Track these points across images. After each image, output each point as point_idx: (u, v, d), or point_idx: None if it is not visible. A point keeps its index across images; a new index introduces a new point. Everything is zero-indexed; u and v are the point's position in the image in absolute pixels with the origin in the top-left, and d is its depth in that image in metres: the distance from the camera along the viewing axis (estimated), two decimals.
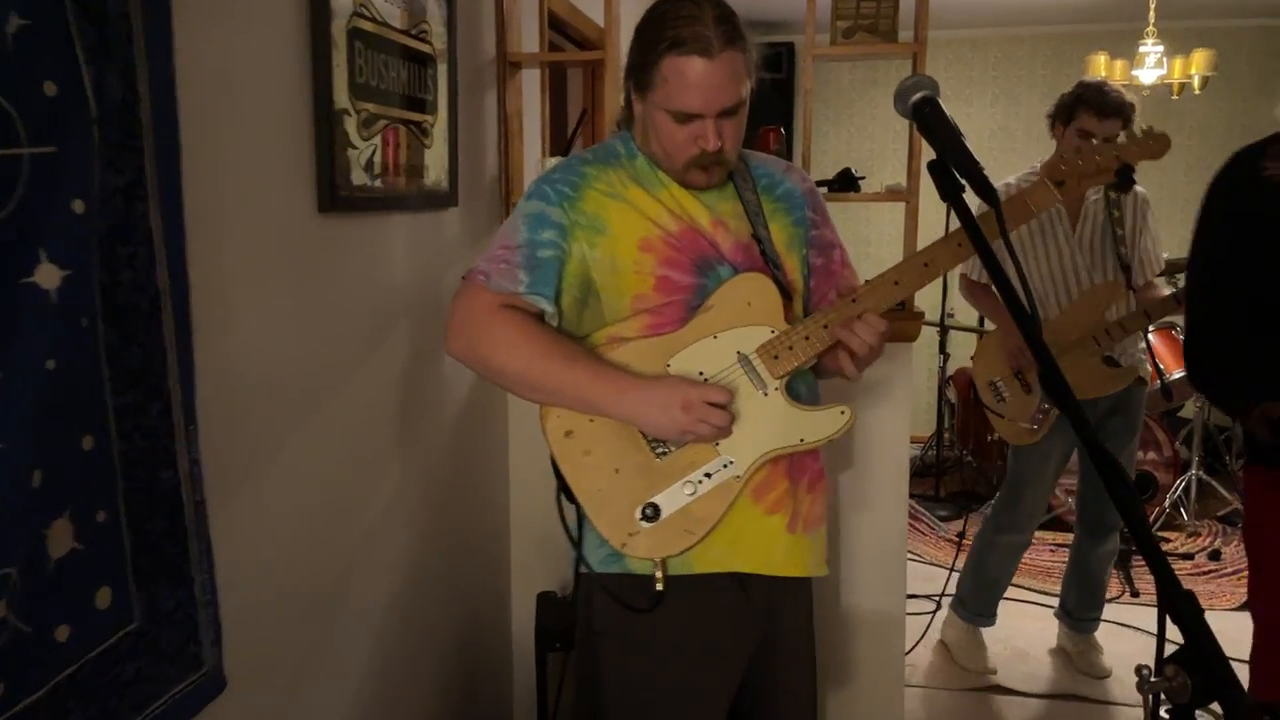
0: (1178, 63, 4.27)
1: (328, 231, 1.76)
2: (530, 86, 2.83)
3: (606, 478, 1.48)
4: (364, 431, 1.94)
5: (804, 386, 1.57)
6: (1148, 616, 3.56)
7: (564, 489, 1.51)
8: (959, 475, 5.30)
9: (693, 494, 1.46)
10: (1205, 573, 4.00)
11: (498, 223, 2.60)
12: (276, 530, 1.63)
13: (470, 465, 2.45)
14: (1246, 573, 3.93)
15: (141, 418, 1.25)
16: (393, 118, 1.97)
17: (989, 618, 3.24)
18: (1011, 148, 5.93)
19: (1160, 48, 4.23)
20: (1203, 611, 0.85)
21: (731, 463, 1.47)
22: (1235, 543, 4.27)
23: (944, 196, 1.08)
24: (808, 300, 1.62)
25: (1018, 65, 5.97)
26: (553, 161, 2.57)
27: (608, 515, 1.47)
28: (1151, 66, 4.19)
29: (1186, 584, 3.59)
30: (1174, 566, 4.02)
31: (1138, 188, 2.92)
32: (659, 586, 1.46)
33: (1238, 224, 1.71)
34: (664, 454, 1.48)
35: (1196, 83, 4.22)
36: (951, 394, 5.28)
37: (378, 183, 1.93)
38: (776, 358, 1.47)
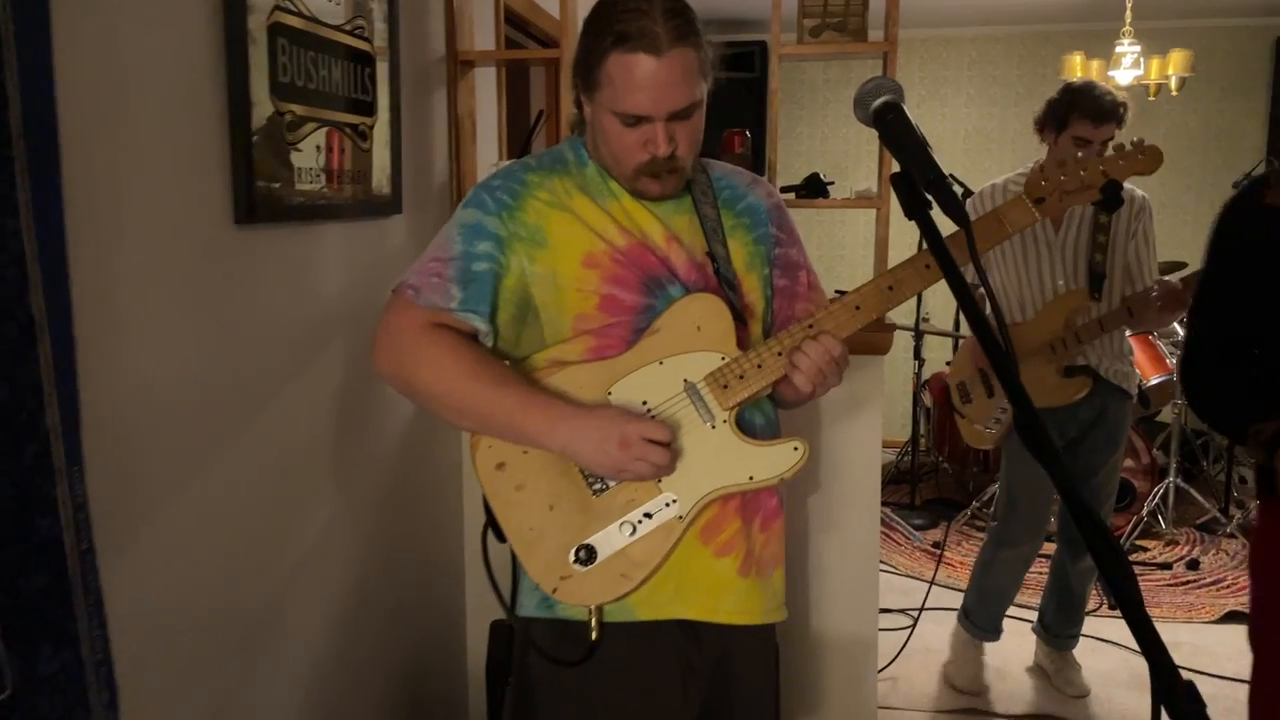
0: (1154, 63, 4.19)
1: (247, 245, 1.62)
2: (486, 86, 2.69)
3: (539, 515, 1.36)
4: (293, 459, 1.80)
5: (760, 417, 1.45)
6: (1124, 629, 3.46)
7: (493, 526, 1.38)
8: (935, 482, 5.21)
9: (631, 535, 1.34)
10: (1184, 583, 3.92)
11: None
12: (185, 575, 1.49)
13: (419, 489, 2.32)
14: (1228, 585, 3.90)
15: (11, 463, 1.11)
16: (325, 120, 1.83)
17: (993, 633, 3.14)
18: (987, 149, 5.84)
19: (1138, 48, 4.15)
20: (1204, 707, 0.72)
21: (674, 501, 1.35)
22: (1214, 551, 4.20)
23: (909, 213, 0.96)
24: (770, 324, 1.50)
25: (993, 65, 5.89)
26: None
27: (539, 557, 1.35)
28: (1129, 67, 4.11)
29: (1164, 594, 3.51)
30: (1152, 577, 3.98)
31: (1140, 193, 2.82)
32: (593, 635, 1.34)
33: (1240, 251, 1.69)
34: (601, 490, 1.36)
35: (1174, 83, 4.14)
36: (927, 399, 5.18)
37: (314, 189, 1.80)
38: (726, 387, 1.35)
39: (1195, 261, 4.46)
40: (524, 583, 1.40)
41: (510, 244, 1.35)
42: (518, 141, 3.10)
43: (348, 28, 1.92)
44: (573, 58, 1.37)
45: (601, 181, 1.40)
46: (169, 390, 1.44)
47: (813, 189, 2.39)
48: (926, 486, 5.14)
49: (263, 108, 1.62)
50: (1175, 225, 5.48)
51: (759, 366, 1.34)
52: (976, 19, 5.60)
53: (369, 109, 2.01)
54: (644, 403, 1.35)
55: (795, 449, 1.35)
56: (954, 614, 3.59)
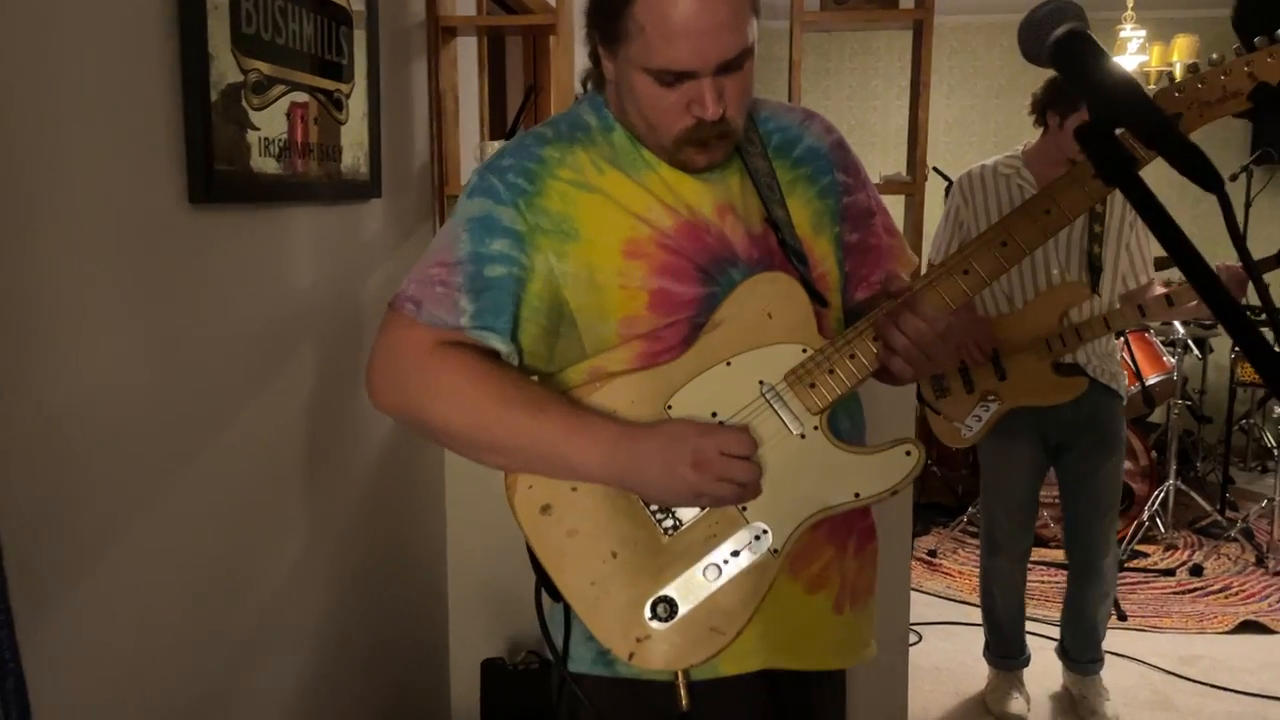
0: (1157, 49, 4.04)
1: (204, 228, 1.34)
2: (466, 58, 2.42)
3: (601, 565, 1.10)
4: (257, 481, 1.52)
5: (846, 417, 1.20)
6: (1140, 642, 3.32)
7: (545, 584, 1.12)
8: (923, 485, 5.02)
9: (718, 579, 1.09)
10: (1189, 590, 3.77)
11: (428, 218, 2.19)
12: (125, 634, 1.21)
13: (400, 513, 2.04)
14: (1236, 592, 3.77)
15: None
16: (295, 82, 1.55)
17: (1015, 659, 2.94)
18: (968, 141, 5.70)
19: (1142, 33, 3.99)
20: None
21: (765, 532, 1.10)
22: (1215, 556, 4.07)
23: (1109, 177, 0.73)
24: (847, 294, 1.25)
25: (974, 55, 5.74)
26: (494, 146, 2.17)
27: (607, 616, 1.10)
28: (1134, 53, 3.95)
29: (1170, 604, 3.28)
30: (1156, 584, 3.83)
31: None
32: (684, 705, 1.09)
33: None
34: (674, 528, 1.11)
35: (1178, 70, 4.00)
36: (922, 387, 5.00)
37: (280, 167, 1.51)
38: (813, 386, 1.10)
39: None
40: (578, 630, 1.15)
41: (532, 239, 1.10)
42: (500, 122, 2.82)
43: None
44: (589, 3, 1.11)
45: (633, 149, 1.14)
46: (110, 402, 1.16)
47: None
48: (915, 490, 4.95)
49: (223, 63, 1.34)
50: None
51: (851, 357, 1.10)
52: (955, 7, 5.43)
53: (344, 74, 1.73)
54: (713, 414, 1.11)
55: (908, 453, 1.10)
56: (957, 628, 3.41)
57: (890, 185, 2.19)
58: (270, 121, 1.49)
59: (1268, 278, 4.05)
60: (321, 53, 1.65)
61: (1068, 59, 0.76)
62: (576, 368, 1.15)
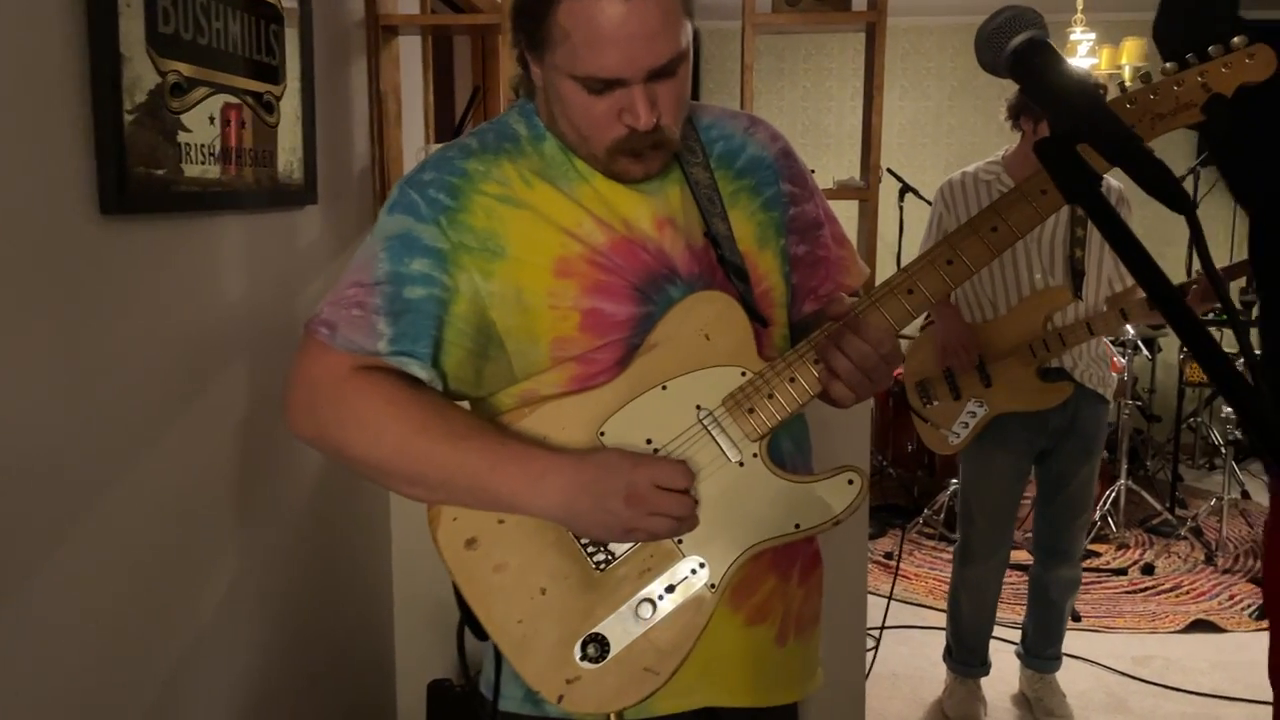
0: (1106, 52, 4.07)
1: (118, 240, 1.25)
2: (410, 58, 2.34)
3: (529, 603, 1.04)
4: (187, 508, 1.44)
5: (789, 441, 1.15)
6: (1094, 643, 3.33)
7: (470, 622, 1.06)
8: (879, 488, 5.02)
9: (652, 615, 1.04)
10: (1141, 590, 3.80)
11: (369, 225, 2.11)
12: (44, 672, 1.13)
13: (341, 537, 1.96)
14: (1187, 591, 3.80)
15: None
16: (221, 84, 1.47)
17: (978, 666, 2.92)
18: (920, 143, 5.71)
19: (1092, 35, 4.02)
20: None
21: (702, 565, 1.05)
22: (1166, 555, 4.11)
23: (1070, 194, 0.68)
24: (795, 308, 1.20)
25: (925, 57, 5.75)
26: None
27: (535, 657, 1.04)
28: (1085, 55, 3.97)
29: (1123, 603, 3.28)
30: (1109, 584, 3.85)
31: (1115, 183, 2.63)
32: None
33: None
34: (607, 562, 1.05)
35: (1127, 73, 4.03)
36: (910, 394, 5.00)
37: (208, 172, 1.43)
38: (752, 411, 1.05)
39: (1166, 264, 4.36)
40: (508, 667, 1.09)
41: (455, 258, 1.03)
42: (446, 125, 2.75)
43: None
44: (510, 3, 1.05)
45: (565, 160, 1.08)
46: (14, 430, 1.08)
47: None
48: (871, 492, 4.95)
49: (138, 65, 1.26)
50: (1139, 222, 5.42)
51: (791, 381, 1.05)
52: (908, 9, 5.44)
53: (276, 75, 1.65)
54: (648, 441, 1.05)
55: (850, 481, 1.06)
56: (916, 632, 3.39)
57: (844, 190, 2.16)
58: (201, 126, 1.40)
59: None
60: (251, 53, 1.57)
61: (1027, 70, 0.72)
62: (506, 392, 1.09)
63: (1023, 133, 2.58)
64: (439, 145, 2.13)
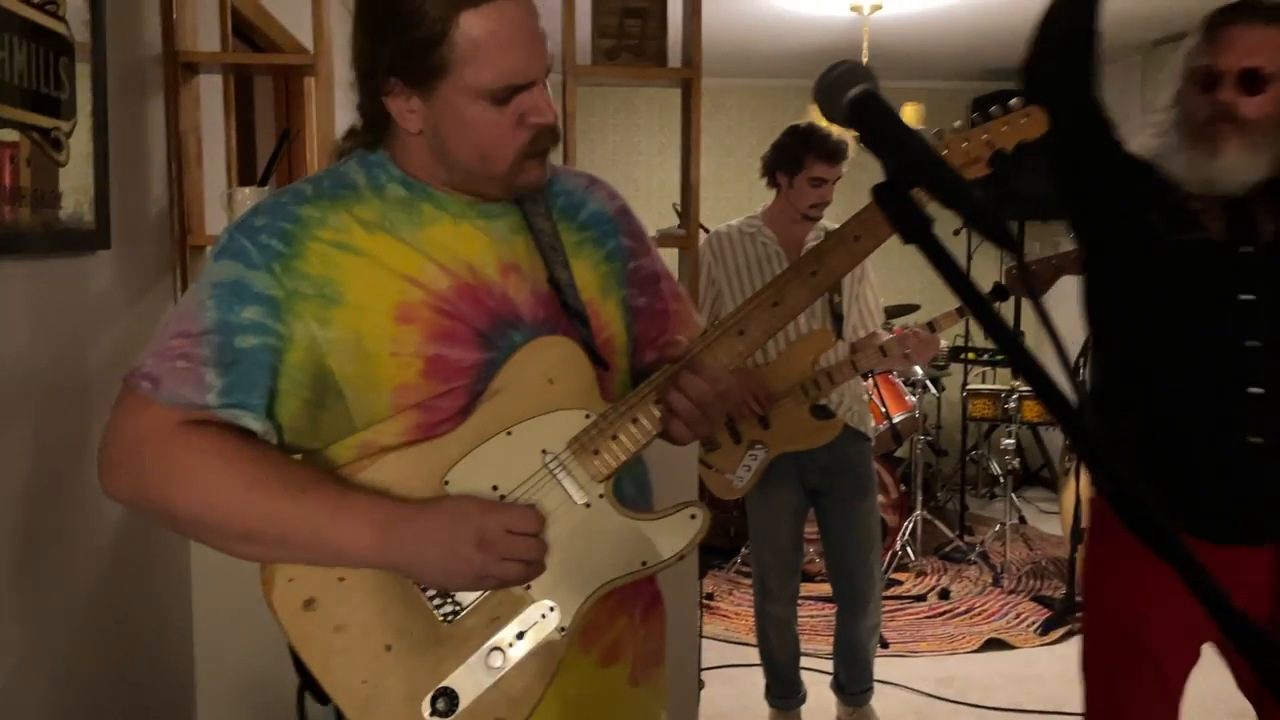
0: None
1: None
2: (212, 98, 2.22)
3: (373, 662, 1.00)
4: None
5: (630, 481, 1.16)
6: (900, 667, 3.51)
7: (310, 686, 0.99)
8: None
9: (502, 665, 1.02)
10: (941, 614, 4.05)
11: (169, 271, 1.97)
12: None
13: (137, 606, 1.78)
14: (979, 612, 4.08)
15: None
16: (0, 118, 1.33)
17: (795, 698, 3.00)
18: (723, 196, 5.97)
19: None
20: None
21: (552, 609, 1.04)
22: (960, 580, 4.40)
23: (906, 235, 0.73)
24: (634, 357, 1.22)
25: (726, 115, 6.05)
26: (247, 194, 1.99)
27: (382, 717, 0.99)
28: None
29: (924, 628, 3.50)
30: (911, 610, 4.08)
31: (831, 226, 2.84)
32: None
33: None
34: (453, 614, 1.02)
35: None
36: None
37: None
38: (597, 453, 1.06)
39: (926, 305, 4.70)
40: None
41: (290, 306, 1.00)
42: (249, 168, 2.61)
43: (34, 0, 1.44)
44: (360, 52, 1.03)
45: (408, 204, 1.07)
46: None
47: None
48: None
49: None
50: (903, 269, 5.77)
51: (634, 421, 1.06)
52: (712, 70, 5.71)
53: (63, 110, 1.51)
54: (494, 488, 1.03)
55: (693, 516, 1.07)
56: (739, 670, 3.46)
57: (665, 239, 2.21)
58: None
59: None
60: (36, 85, 1.44)
61: (863, 119, 0.77)
62: (344, 443, 1.05)
63: (777, 188, 2.76)
64: (244, 188, 2.03)
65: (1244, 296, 1.50)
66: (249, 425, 0.99)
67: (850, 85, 0.78)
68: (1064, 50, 1.57)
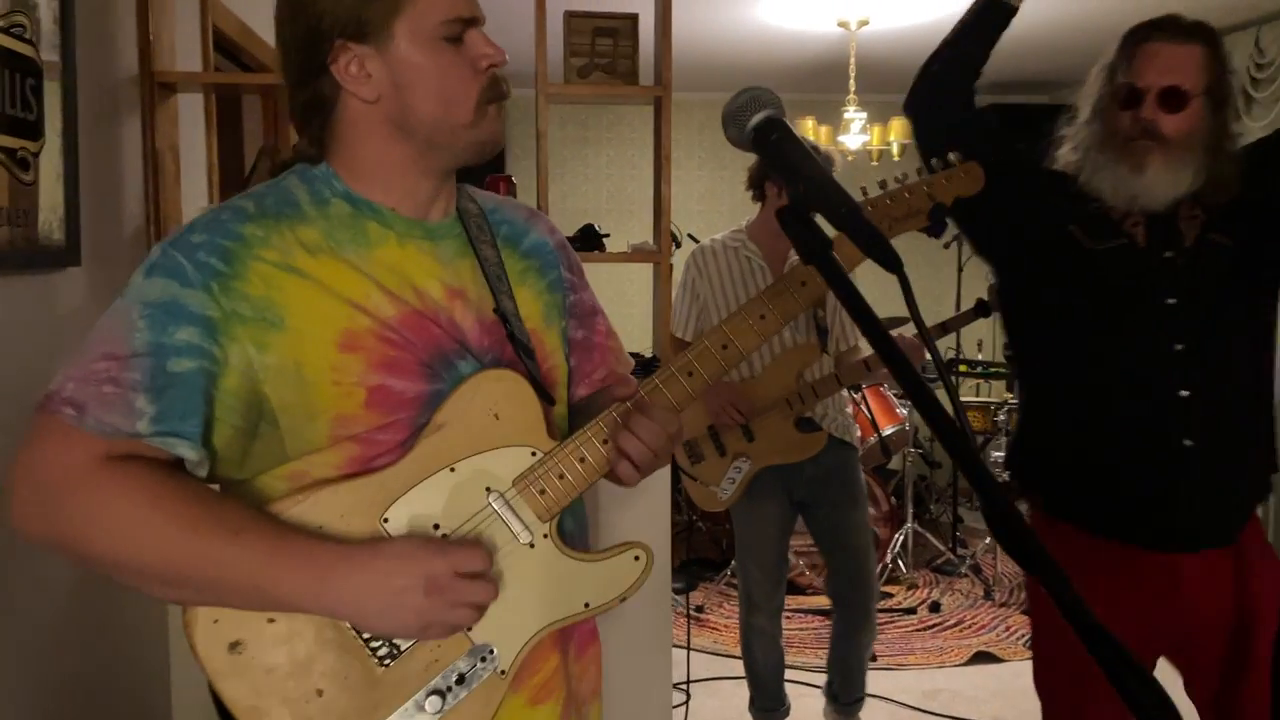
0: (877, 130, 4.44)
1: None
2: (193, 115, 2.26)
3: (304, 707, 0.97)
4: None
5: (570, 518, 1.15)
6: (888, 680, 3.51)
7: None
8: (689, 542, 5.13)
9: (440, 710, 0.99)
10: (930, 626, 4.05)
11: None
12: None
13: (110, 630, 1.80)
14: (969, 625, 4.08)
15: None
16: None
17: (779, 710, 3.00)
18: (719, 211, 6.00)
19: (864, 114, 4.37)
20: None
21: (492, 652, 1.02)
22: (950, 593, 4.40)
23: (806, 256, 0.75)
24: (571, 390, 1.22)
25: (719, 130, 6.04)
26: None
27: None
28: (858, 132, 4.32)
29: (915, 640, 3.51)
30: (901, 623, 4.08)
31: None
32: None
33: None
34: (390, 656, 1.00)
35: (895, 149, 4.41)
36: (678, 455, 5.13)
37: None
38: (543, 492, 1.04)
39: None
40: None
41: (227, 328, 0.94)
42: (234, 185, 2.65)
43: (2, 24, 1.47)
44: (294, 35, 1.00)
45: (353, 221, 1.03)
46: None
47: (587, 242, 2.18)
48: (679, 546, 5.04)
49: None
50: (890, 281, 5.82)
51: (581, 460, 1.05)
52: (705, 85, 5.75)
53: (33, 130, 1.55)
54: (435, 527, 1.01)
55: (636, 558, 1.07)
56: (726, 682, 3.46)
57: (638, 254, 2.24)
58: None
59: (980, 327, 4.39)
60: (4, 107, 1.47)
61: (766, 145, 0.79)
62: (274, 473, 1.00)
63: (764, 198, 2.79)
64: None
65: (1168, 300, 1.51)
66: (184, 454, 0.94)
67: (754, 112, 0.80)
68: (941, 84, 1.62)
